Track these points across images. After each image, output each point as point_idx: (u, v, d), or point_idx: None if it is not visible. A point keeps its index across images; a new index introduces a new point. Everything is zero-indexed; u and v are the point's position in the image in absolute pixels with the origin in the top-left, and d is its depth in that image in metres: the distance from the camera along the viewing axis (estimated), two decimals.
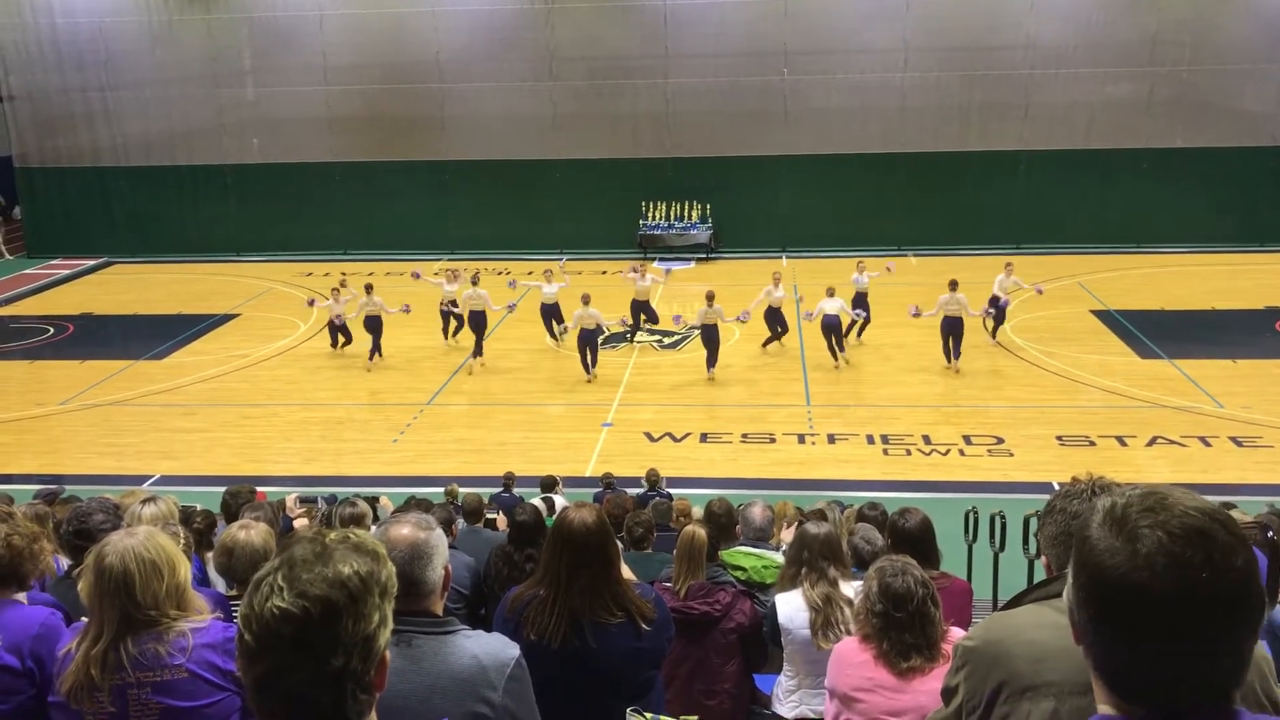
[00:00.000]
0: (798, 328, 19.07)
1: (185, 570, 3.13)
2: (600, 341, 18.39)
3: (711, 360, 17.52)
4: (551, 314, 18.99)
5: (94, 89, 27.86)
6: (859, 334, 18.89)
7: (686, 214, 26.31)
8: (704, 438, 15.36)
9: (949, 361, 17.58)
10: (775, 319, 18.43)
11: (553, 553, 3.71)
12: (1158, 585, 1.45)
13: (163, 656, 2.99)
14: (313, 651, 1.76)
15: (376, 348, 18.68)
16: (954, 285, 17.40)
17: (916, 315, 17.50)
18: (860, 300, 18.53)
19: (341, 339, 19.26)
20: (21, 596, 3.53)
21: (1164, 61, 25.11)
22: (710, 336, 17.38)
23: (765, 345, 18.70)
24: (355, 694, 1.82)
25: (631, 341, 19.57)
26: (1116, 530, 1.51)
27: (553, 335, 19.39)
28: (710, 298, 17.31)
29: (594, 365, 17.62)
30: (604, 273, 24.09)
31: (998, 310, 18.50)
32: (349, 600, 1.79)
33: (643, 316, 19.73)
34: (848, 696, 3.92)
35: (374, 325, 18.55)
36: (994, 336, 18.94)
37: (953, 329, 17.45)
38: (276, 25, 27.00)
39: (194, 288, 24.93)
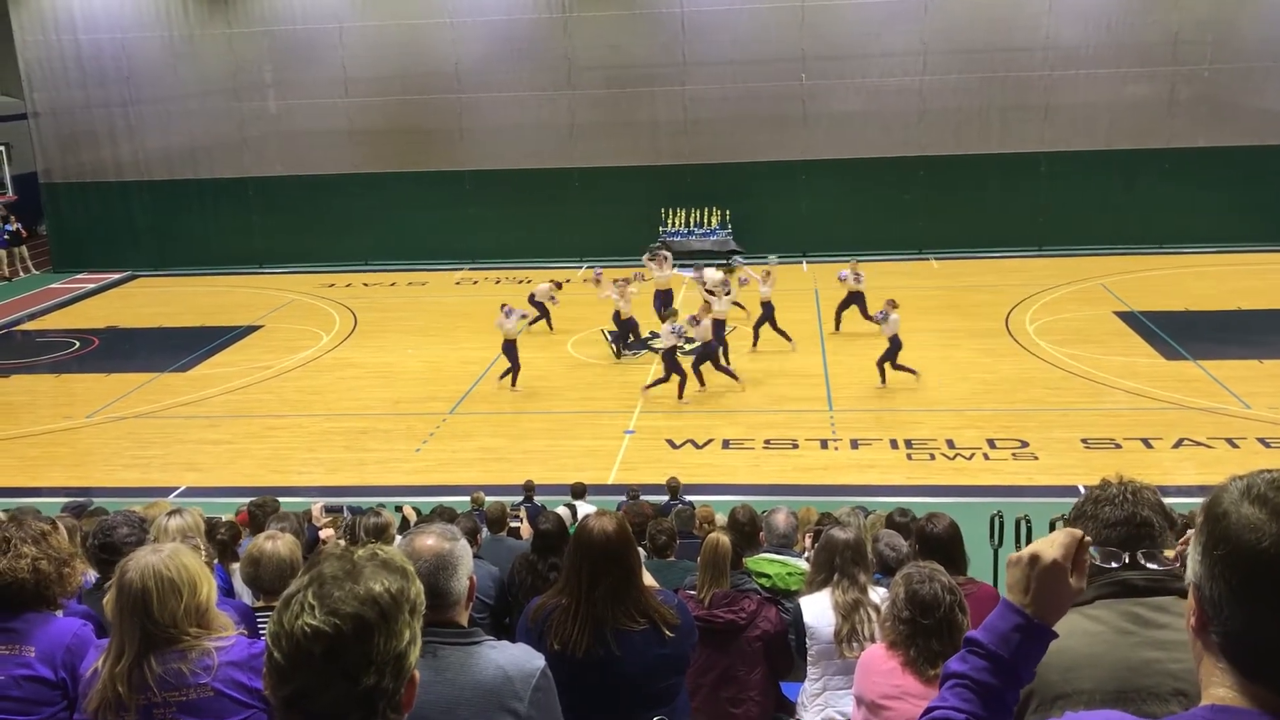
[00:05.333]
0: (819, 332, 19.05)
1: (208, 589, 3.12)
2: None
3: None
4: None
5: (116, 104, 28.10)
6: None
7: (706, 220, 26.30)
8: (726, 444, 15.32)
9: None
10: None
11: (574, 561, 3.72)
12: None
13: (187, 675, 2.99)
14: (344, 670, 1.75)
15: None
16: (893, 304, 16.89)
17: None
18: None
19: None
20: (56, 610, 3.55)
21: (1185, 61, 24.92)
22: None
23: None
24: (386, 713, 1.81)
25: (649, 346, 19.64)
26: (1259, 506, 1.54)
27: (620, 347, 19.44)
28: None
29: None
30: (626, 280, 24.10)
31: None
32: (380, 618, 1.78)
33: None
34: (875, 704, 3.90)
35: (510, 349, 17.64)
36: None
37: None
38: (296, 39, 27.17)
39: (217, 300, 25.10)
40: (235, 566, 5.82)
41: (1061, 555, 1.90)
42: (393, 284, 26.07)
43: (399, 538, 6.57)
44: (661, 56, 26.20)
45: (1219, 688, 1.57)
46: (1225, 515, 1.55)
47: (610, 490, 13.15)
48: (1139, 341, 18.90)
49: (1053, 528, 8.65)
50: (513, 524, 9.29)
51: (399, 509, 9.55)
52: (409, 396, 17.89)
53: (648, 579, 3.95)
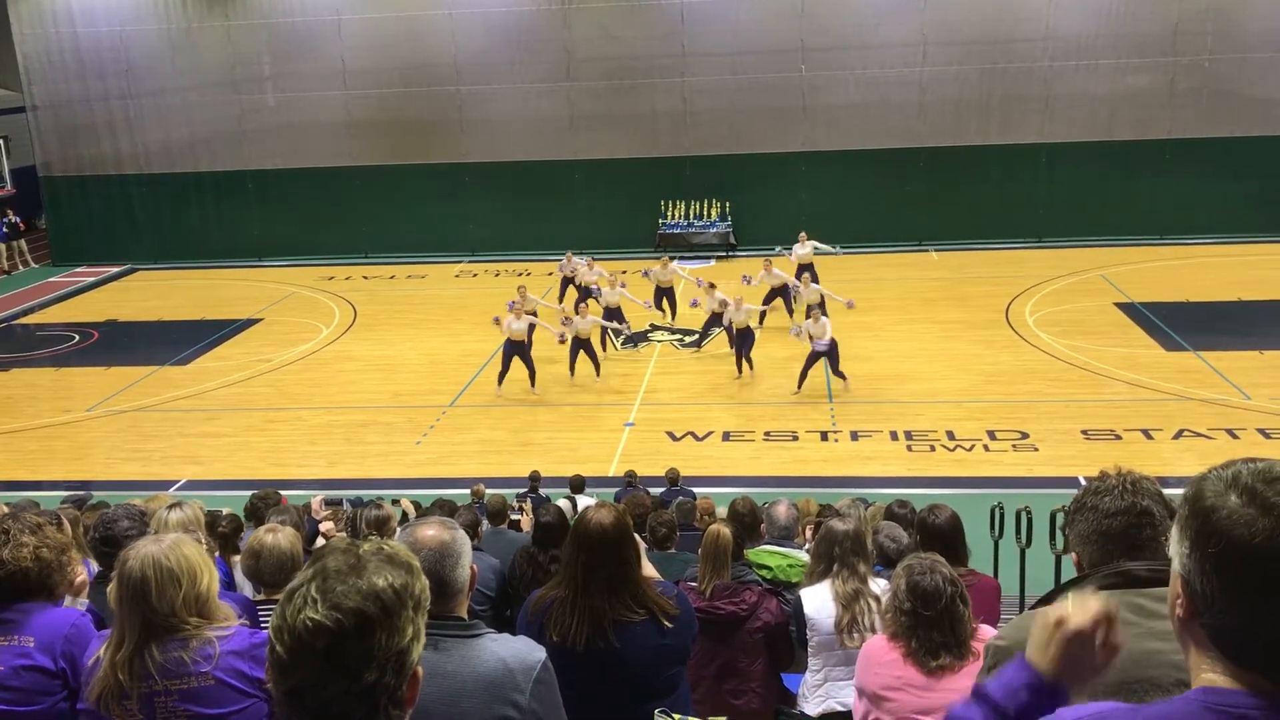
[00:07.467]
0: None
1: (208, 579, 3.12)
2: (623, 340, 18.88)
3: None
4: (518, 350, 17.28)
5: (115, 97, 28.06)
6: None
7: (706, 212, 26.28)
8: (726, 436, 15.33)
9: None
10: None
11: (571, 553, 3.72)
12: None
13: (188, 664, 3.00)
14: (346, 665, 1.74)
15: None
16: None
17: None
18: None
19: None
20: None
21: (1186, 51, 24.88)
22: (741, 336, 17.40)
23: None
24: (388, 709, 1.80)
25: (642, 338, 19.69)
26: (1248, 499, 1.53)
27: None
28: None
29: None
30: (624, 272, 24.08)
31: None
32: (383, 613, 1.76)
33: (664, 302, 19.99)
34: (877, 695, 3.91)
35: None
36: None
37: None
38: (295, 30, 27.13)
39: (217, 293, 25.09)
40: (237, 559, 5.82)
41: (1089, 623, 1.84)
42: (392, 277, 26.05)
43: (399, 530, 6.58)
44: (661, 48, 26.16)
45: (1209, 672, 1.58)
46: (1213, 510, 1.54)
47: (610, 483, 13.16)
48: (1139, 333, 18.89)
49: (1053, 519, 8.66)
50: (513, 516, 9.28)
51: (396, 502, 9.55)
52: (409, 389, 17.89)
53: (649, 570, 3.95)
